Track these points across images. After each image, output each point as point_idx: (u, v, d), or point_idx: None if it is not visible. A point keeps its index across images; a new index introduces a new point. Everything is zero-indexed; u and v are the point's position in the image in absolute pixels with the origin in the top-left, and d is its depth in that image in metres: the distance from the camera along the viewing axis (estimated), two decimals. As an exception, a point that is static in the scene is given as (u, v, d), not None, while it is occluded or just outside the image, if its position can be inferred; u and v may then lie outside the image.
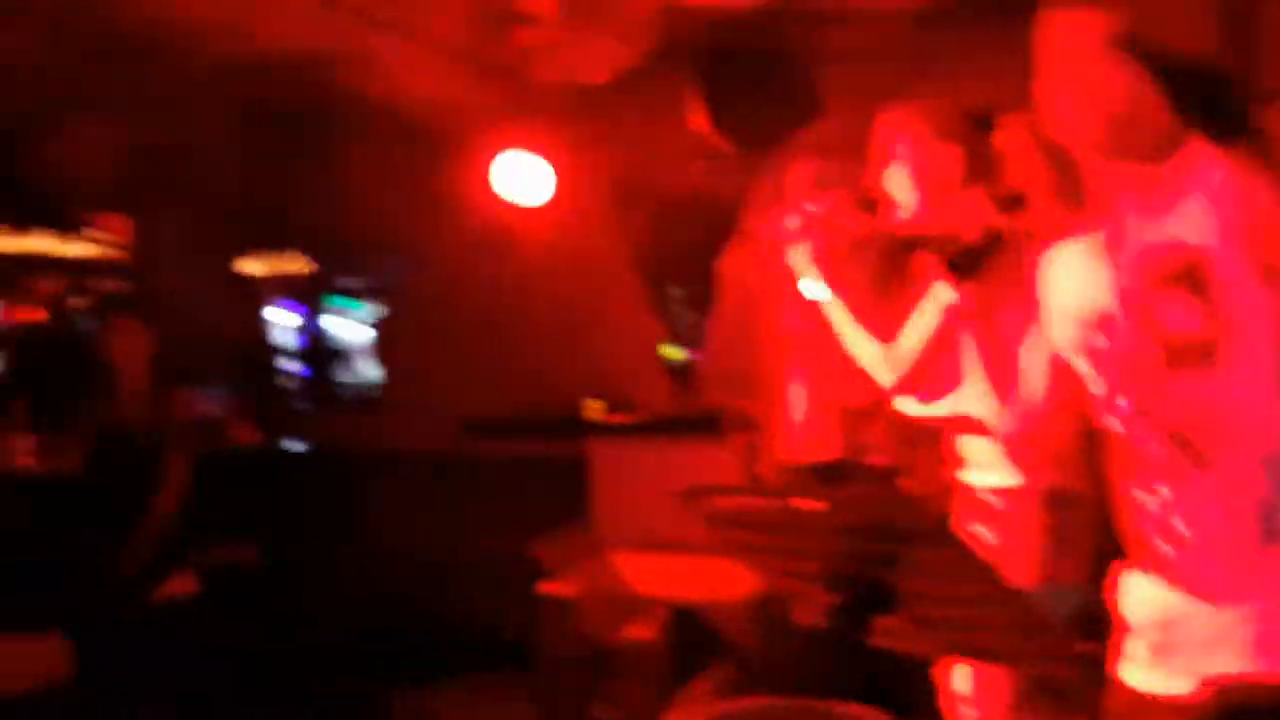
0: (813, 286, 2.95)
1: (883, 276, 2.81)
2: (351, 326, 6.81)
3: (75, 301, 6.59)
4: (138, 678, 3.80)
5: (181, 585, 4.02)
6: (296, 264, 6.88)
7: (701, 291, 5.79)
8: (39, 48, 4.92)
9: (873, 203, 2.76)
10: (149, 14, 4.56)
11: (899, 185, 2.66)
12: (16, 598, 3.47)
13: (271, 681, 4.28)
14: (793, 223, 2.91)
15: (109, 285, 6.56)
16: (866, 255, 2.87)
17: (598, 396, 5.12)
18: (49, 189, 6.27)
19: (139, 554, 3.93)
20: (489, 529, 4.87)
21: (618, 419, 4.95)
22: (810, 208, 2.93)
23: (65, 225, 6.58)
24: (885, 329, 2.74)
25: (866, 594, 1.59)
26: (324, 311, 6.92)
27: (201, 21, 4.61)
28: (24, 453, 4.02)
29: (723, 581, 3.44)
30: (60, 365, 5.05)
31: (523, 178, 5.35)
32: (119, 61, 5.03)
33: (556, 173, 5.35)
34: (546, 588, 3.69)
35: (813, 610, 1.68)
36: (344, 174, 5.91)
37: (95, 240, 6.61)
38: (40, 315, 6.35)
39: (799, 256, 2.90)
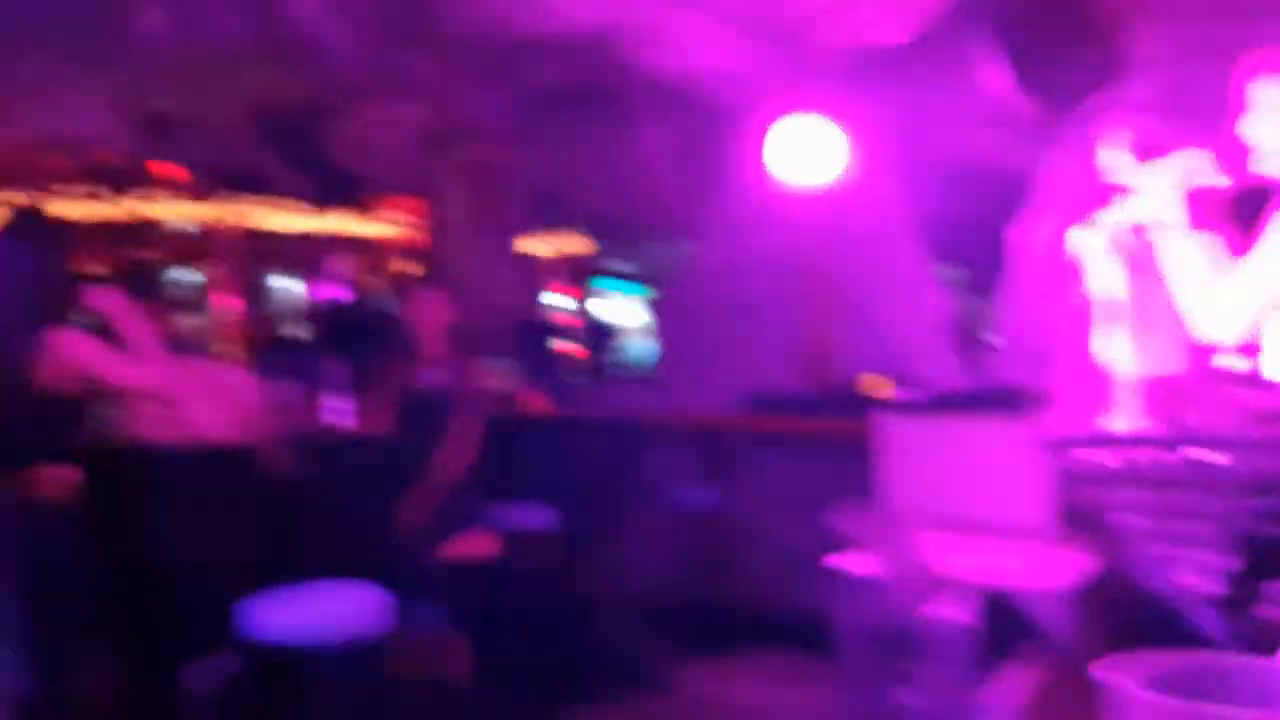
0: (1142, 250, 2.75)
1: (1238, 230, 2.58)
2: (627, 304, 6.91)
3: (373, 278, 6.98)
4: (439, 630, 3.95)
5: (481, 546, 4.15)
6: (576, 244, 7.04)
7: (987, 268, 5.56)
8: (347, 32, 5.20)
9: (1227, 154, 2.54)
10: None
11: (1265, 130, 2.43)
12: (338, 549, 3.67)
13: (560, 646, 4.37)
14: (1122, 184, 2.71)
15: (404, 263, 6.90)
16: (1217, 210, 2.65)
17: (882, 371, 4.98)
18: (348, 172, 6.65)
19: (420, 510, 4.08)
20: (773, 502, 4.82)
21: (906, 395, 4.79)
22: (1145, 168, 2.72)
23: (363, 206, 6.97)
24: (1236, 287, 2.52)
25: (1264, 556, 1.44)
26: (601, 290, 7.05)
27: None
28: (339, 413, 4.25)
29: (1038, 563, 3.26)
30: (365, 335, 5.35)
31: (805, 150, 5.26)
32: (420, 44, 5.26)
33: (840, 143, 5.23)
34: (841, 563, 3.58)
35: (1201, 576, 1.52)
36: (625, 155, 6.00)
37: (391, 221, 6.97)
38: (343, 291, 6.75)
39: (1132, 219, 2.70)
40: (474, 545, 4.14)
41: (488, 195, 6.64)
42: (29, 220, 3.75)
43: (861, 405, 4.78)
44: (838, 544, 3.73)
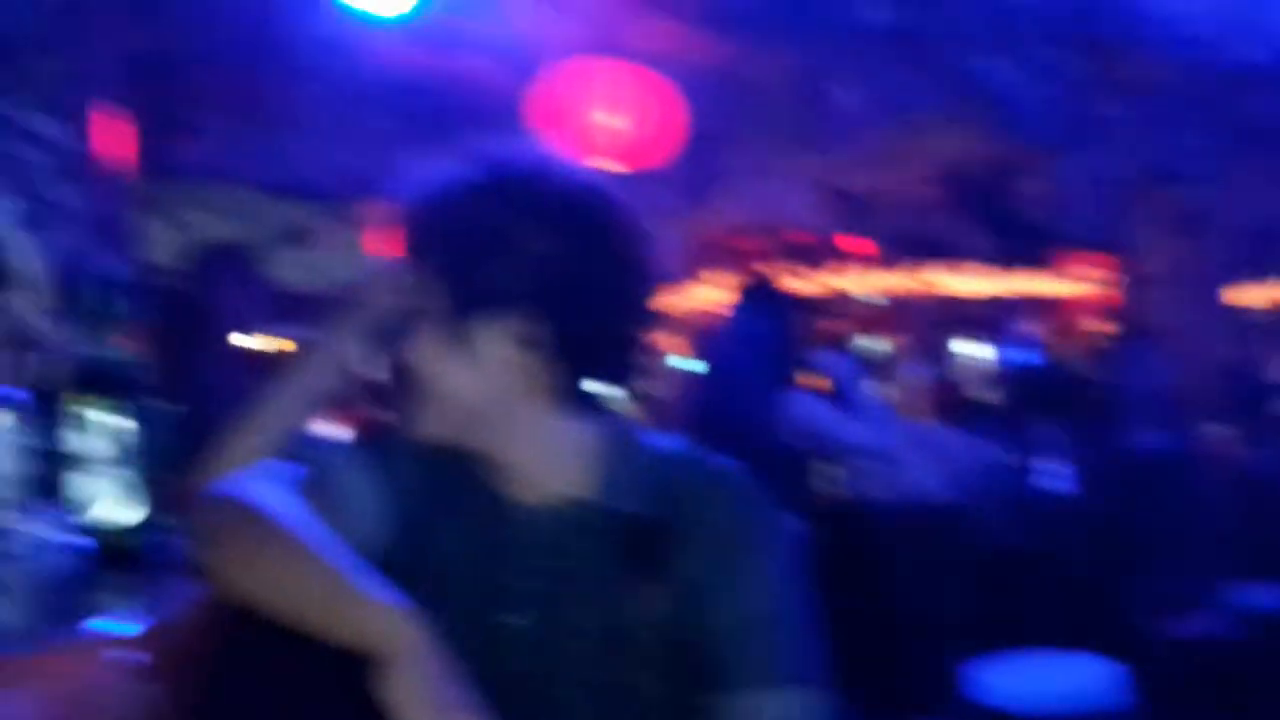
0: None
1: None
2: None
3: (1062, 340, 6.77)
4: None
5: (1209, 626, 3.80)
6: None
7: None
8: (1040, 86, 5.13)
9: None
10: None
11: None
12: (1059, 616, 3.55)
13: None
14: None
15: (1096, 323, 6.62)
16: None
17: None
18: (1034, 229, 6.51)
19: (1149, 583, 3.81)
20: None
21: None
22: None
23: (1050, 265, 6.79)
24: None
25: None
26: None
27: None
28: (1053, 477, 4.16)
29: None
30: (1062, 398, 5.19)
31: None
32: (1118, 89, 5.04)
33: None
34: None
35: None
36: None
37: (1080, 278, 6.72)
38: (1032, 354, 6.61)
39: None
40: (1202, 624, 3.80)
41: (1189, 243, 6.15)
42: (763, 288, 4.15)
43: None
44: None
